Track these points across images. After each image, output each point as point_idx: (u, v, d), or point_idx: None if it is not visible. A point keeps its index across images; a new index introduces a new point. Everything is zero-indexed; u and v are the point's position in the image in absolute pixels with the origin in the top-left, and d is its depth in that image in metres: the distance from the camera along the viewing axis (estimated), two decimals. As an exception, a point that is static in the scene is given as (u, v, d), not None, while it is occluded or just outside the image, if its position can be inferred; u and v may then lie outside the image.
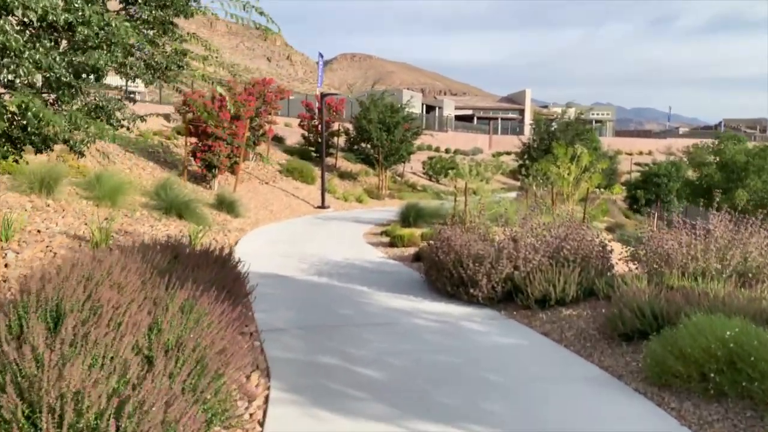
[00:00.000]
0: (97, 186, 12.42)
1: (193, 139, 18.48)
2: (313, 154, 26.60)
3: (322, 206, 19.70)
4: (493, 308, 7.11)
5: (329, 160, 27.09)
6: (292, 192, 20.95)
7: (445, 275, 7.51)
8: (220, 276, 6.76)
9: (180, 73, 6.38)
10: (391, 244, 12.10)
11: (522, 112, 65.34)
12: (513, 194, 38.54)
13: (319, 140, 26.19)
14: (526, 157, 27.34)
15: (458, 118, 57.44)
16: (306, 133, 26.87)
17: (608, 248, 7.68)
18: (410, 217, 15.43)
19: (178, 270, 6.23)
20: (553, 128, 26.16)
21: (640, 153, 59.68)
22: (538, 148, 26.06)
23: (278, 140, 28.58)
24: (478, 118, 61.61)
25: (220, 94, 17.04)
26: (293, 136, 30.74)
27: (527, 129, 63.23)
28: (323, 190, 19.93)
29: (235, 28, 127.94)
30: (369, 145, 26.27)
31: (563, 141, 25.97)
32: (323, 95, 19.63)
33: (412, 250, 11.43)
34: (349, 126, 27.76)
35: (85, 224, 10.05)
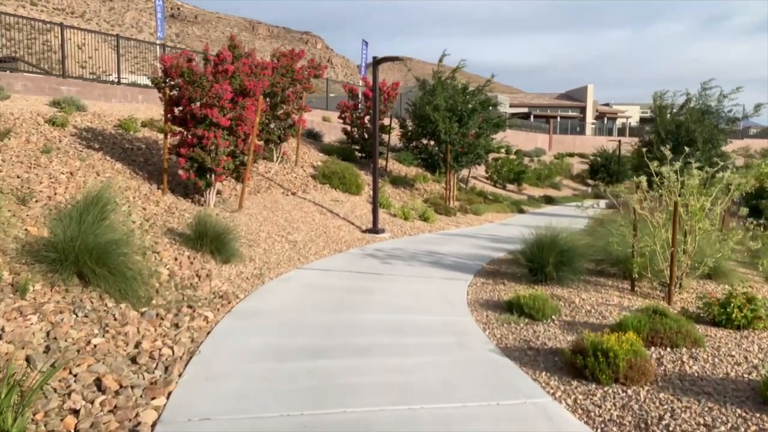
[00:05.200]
0: None
1: (179, 129, 11.32)
2: (358, 154, 19.20)
3: (374, 229, 12.28)
4: None
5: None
6: (329, 207, 13.57)
7: None
8: None
9: None
10: (576, 369, 4.49)
11: (583, 110, 56.84)
12: (591, 203, 30.50)
13: (366, 136, 18.84)
14: (642, 156, 19.30)
15: (513, 116, 49.39)
16: (348, 128, 19.45)
17: None
18: (546, 261, 7.80)
19: None
20: (682, 118, 18.20)
21: (718, 155, 50.57)
22: (664, 144, 18.04)
23: (314, 137, 21.31)
24: (535, 116, 53.42)
25: (217, 55, 9.90)
26: (332, 132, 23.44)
27: (589, 128, 54.70)
28: (375, 207, 12.49)
29: (276, 32, 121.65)
30: (432, 142, 18.71)
31: (699, 136, 18.01)
32: (377, 61, 12.23)
33: (656, 405, 3.86)
34: (405, 119, 20.31)
35: None
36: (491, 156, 30.48)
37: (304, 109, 15.89)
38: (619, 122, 59.35)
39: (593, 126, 54.66)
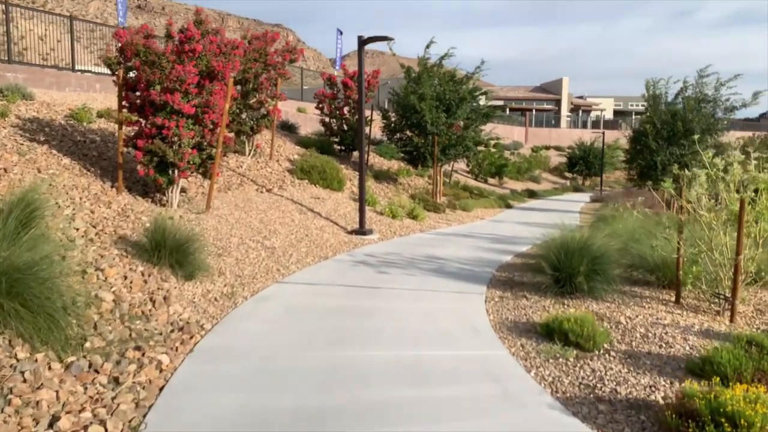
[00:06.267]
0: None
1: (136, 118, 9.67)
2: (337, 147, 17.71)
3: (361, 230, 10.84)
4: None
5: (356, 155, 18.20)
6: (310, 205, 12.07)
7: None
8: None
9: None
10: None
11: (558, 102, 56.03)
12: (576, 196, 29.48)
13: (345, 128, 17.35)
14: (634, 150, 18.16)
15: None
16: (326, 119, 17.91)
17: None
18: (576, 270, 6.46)
19: None
20: (679, 105, 17.02)
21: (691, 146, 50.18)
22: (658, 136, 16.91)
23: (289, 128, 19.73)
24: (511, 110, 52.37)
25: (182, 30, 8.31)
26: (308, 123, 21.89)
27: (564, 121, 53.95)
28: (362, 205, 11.04)
29: (246, 24, 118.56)
30: (416, 133, 17.25)
31: (697, 126, 16.95)
32: (363, 41, 10.70)
33: None
34: (387, 110, 18.80)
35: None
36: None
37: (279, 98, 14.31)
38: (593, 115, 58.82)
39: (568, 119, 53.93)
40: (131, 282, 5.77)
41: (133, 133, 9.67)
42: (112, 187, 9.32)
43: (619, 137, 44.91)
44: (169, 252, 6.46)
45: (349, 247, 9.67)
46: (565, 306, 6.13)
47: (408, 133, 17.54)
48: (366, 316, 5.63)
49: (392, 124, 17.80)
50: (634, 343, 4.93)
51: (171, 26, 9.36)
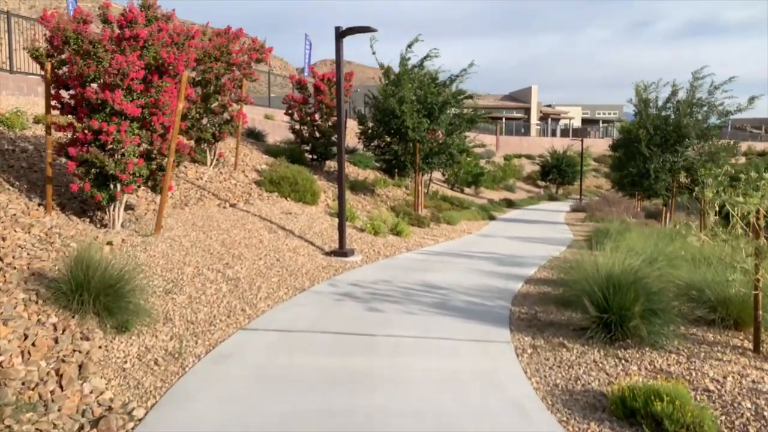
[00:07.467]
0: None
1: (69, 120, 7.90)
2: (308, 156, 16.07)
3: (342, 251, 9.21)
4: None
5: (329, 165, 16.58)
6: (280, 222, 10.39)
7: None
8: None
9: None
10: None
11: (527, 111, 55.32)
12: (554, 206, 28.40)
13: (317, 135, 15.76)
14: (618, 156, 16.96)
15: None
16: (297, 126, 16.23)
17: None
18: (629, 311, 4.98)
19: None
20: (668, 111, 15.85)
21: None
22: (651, 142, 15.72)
23: (255, 136, 18.02)
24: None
25: (124, 13, 6.58)
26: (277, 131, 20.20)
27: (533, 129, 53.27)
28: (342, 222, 9.41)
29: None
30: (395, 140, 15.69)
31: (692, 131, 15.87)
32: (341, 33, 9.08)
33: None
34: (365, 114, 17.21)
35: None
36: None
37: (244, 101, 12.63)
38: (562, 123, 58.43)
39: (538, 127, 53.30)
40: (33, 343, 4.04)
41: (62, 139, 7.92)
42: (39, 205, 7.52)
43: (590, 145, 44.43)
44: (95, 295, 4.74)
45: (329, 272, 8.04)
46: (622, 361, 4.65)
47: (387, 138, 15.98)
48: (364, 387, 4.02)
49: (369, 131, 16.23)
50: (751, 431, 3.46)
51: (108, 8, 7.64)
